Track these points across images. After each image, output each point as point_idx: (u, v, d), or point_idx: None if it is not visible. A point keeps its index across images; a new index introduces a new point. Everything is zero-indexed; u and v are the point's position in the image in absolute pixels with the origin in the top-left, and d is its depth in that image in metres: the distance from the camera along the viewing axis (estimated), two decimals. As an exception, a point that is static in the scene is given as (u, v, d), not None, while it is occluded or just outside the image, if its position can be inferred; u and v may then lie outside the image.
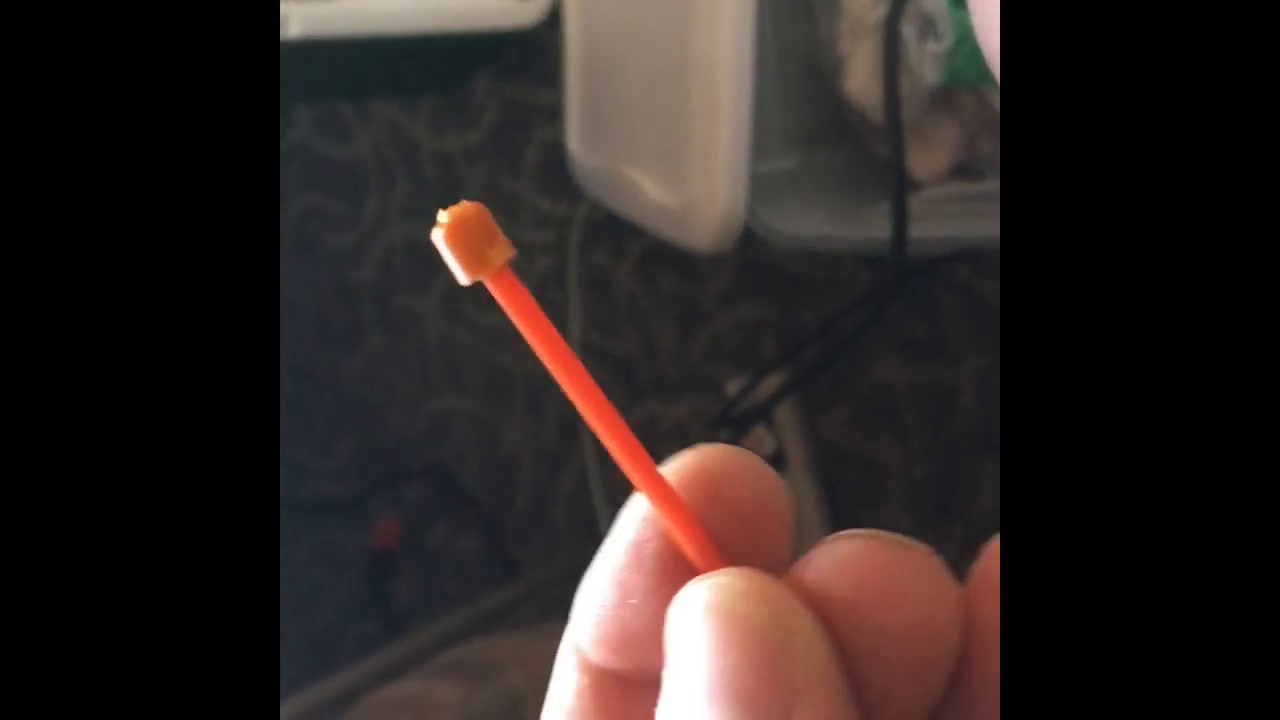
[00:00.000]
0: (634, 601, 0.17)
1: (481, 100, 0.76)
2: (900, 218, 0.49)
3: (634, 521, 0.17)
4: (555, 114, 0.69)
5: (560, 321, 0.75)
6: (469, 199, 0.16)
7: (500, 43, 0.72)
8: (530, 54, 0.73)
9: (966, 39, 0.52)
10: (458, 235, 0.16)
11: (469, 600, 0.74)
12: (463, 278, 0.16)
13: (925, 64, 0.52)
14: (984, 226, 0.54)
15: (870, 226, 0.54)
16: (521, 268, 0.76)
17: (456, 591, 0.84)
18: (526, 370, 0.78)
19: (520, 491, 0.81)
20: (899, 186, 0.49)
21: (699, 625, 0.15)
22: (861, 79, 0.55)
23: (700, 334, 0.70)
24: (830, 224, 0.56)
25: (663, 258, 0.70)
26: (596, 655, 0.17)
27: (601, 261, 0.73)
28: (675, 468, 0.17)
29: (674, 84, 0.56)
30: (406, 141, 0.80)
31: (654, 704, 0.16)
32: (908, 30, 0.52)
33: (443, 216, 0.16)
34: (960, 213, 0.55)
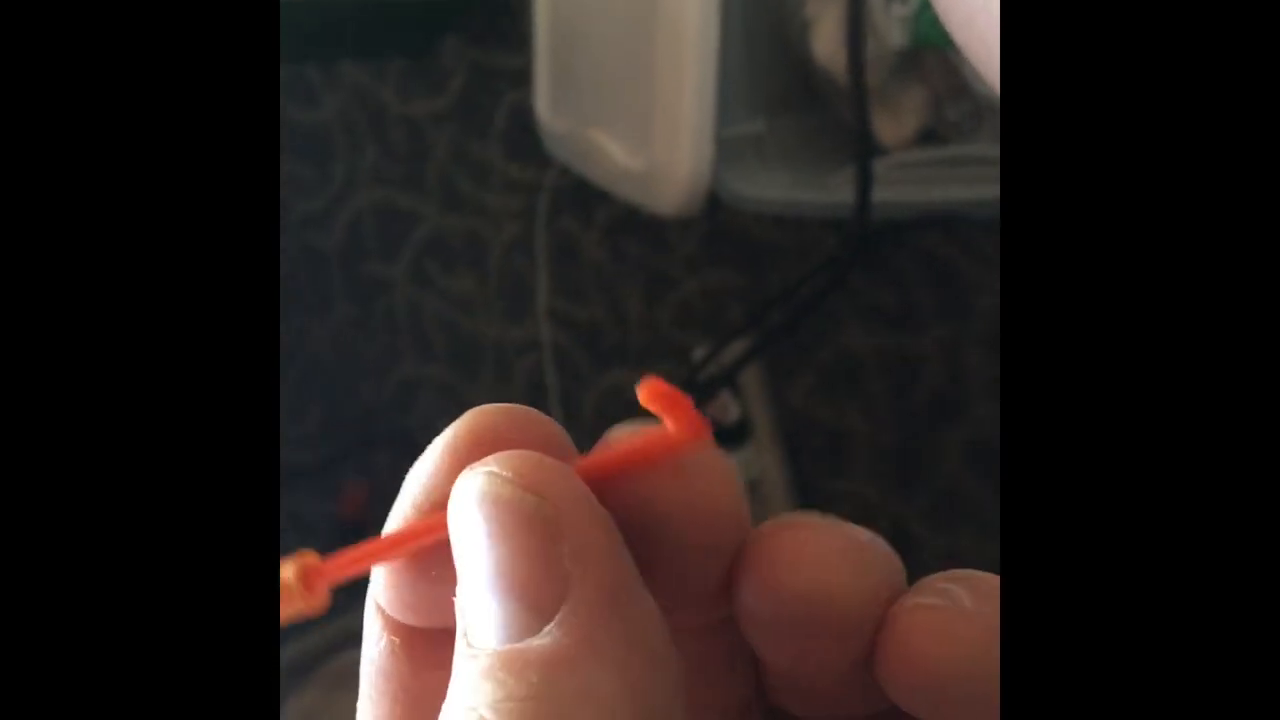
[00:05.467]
0: (432, 572, 0.16)
1: (450, 64, 0.75)
2: (864, 181, 0.49)
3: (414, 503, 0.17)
4: (524, 78, 0.68)
5: (527, 288, 0.75)
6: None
7: (469, 4, 0.71)
8: (499, 17, 0.72)
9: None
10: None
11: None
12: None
13: (892, 26, 0.52)
14: (950, 191, 0.54)
15: (835, 191, 0.54)
16: (489, 234, 0.75)
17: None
18: (494, 336, 0.78)
19: (488, 459, 0.80)
20: (863, 149, 0.49)
21: (472, 516, 0.15)
22: (828, 42, 0.55)
23: (667, 301, 0.70)
24: (795, 188, 0.55)
25: (630, 225, 0.70)
26: (397, 614, 0.17)
27: (569, 228, 0.72)
28: (449, 435, 0.16)
29: (641, 47, 0.56)
30: (374, 105, 0.79)
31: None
32: (875, -8, 0.51)
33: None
34: (927, 178, 0.54)
